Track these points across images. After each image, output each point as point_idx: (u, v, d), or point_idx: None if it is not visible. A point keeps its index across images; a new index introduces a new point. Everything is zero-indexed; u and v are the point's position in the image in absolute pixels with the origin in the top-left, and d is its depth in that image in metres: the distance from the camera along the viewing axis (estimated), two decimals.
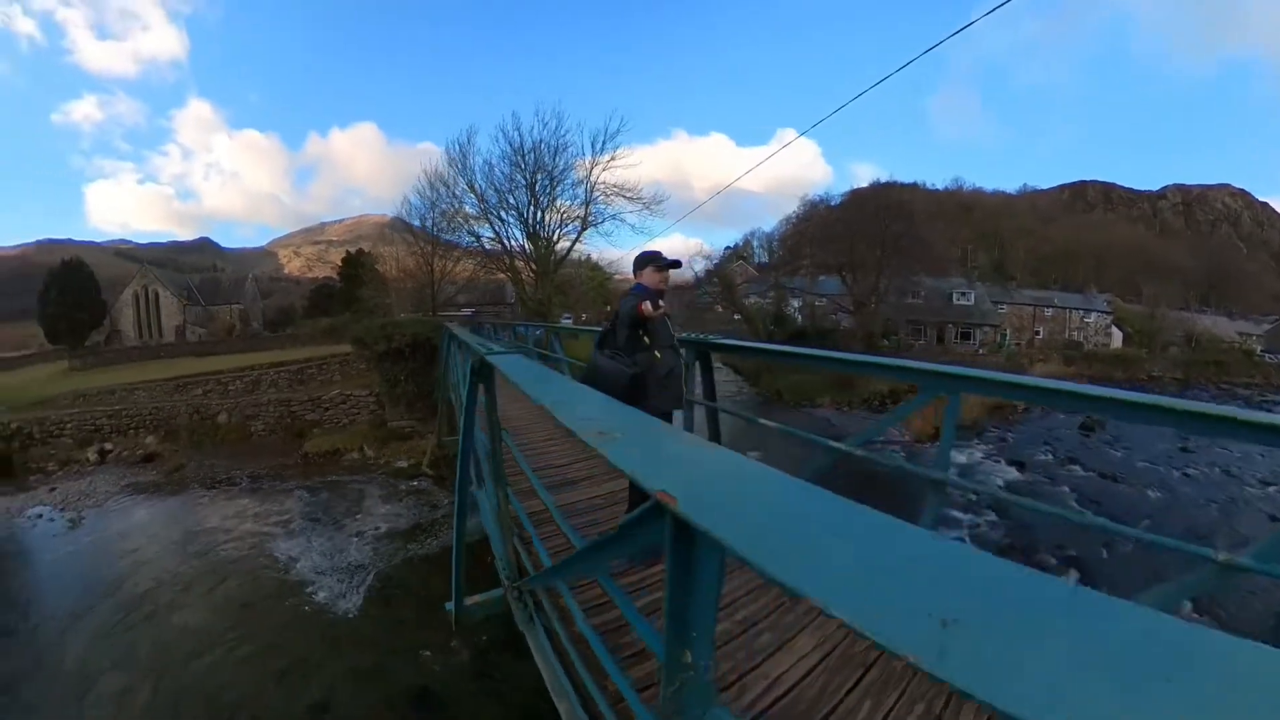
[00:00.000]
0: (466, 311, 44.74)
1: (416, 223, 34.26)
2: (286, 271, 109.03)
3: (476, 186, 31.55)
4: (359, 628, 10.00)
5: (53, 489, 18.77)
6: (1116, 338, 48.94)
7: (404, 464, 19.53)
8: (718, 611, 1.07)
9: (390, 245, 41.43)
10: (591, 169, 30.53)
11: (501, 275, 35.21)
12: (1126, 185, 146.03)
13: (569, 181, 31.21)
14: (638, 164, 31.35)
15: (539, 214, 31.16)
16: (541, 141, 30.09)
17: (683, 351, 3.86)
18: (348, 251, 55.21)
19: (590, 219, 31.42)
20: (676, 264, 3.70)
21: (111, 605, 11.03)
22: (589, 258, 43.26)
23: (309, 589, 11.49)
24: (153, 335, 56.09)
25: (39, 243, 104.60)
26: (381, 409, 23.65)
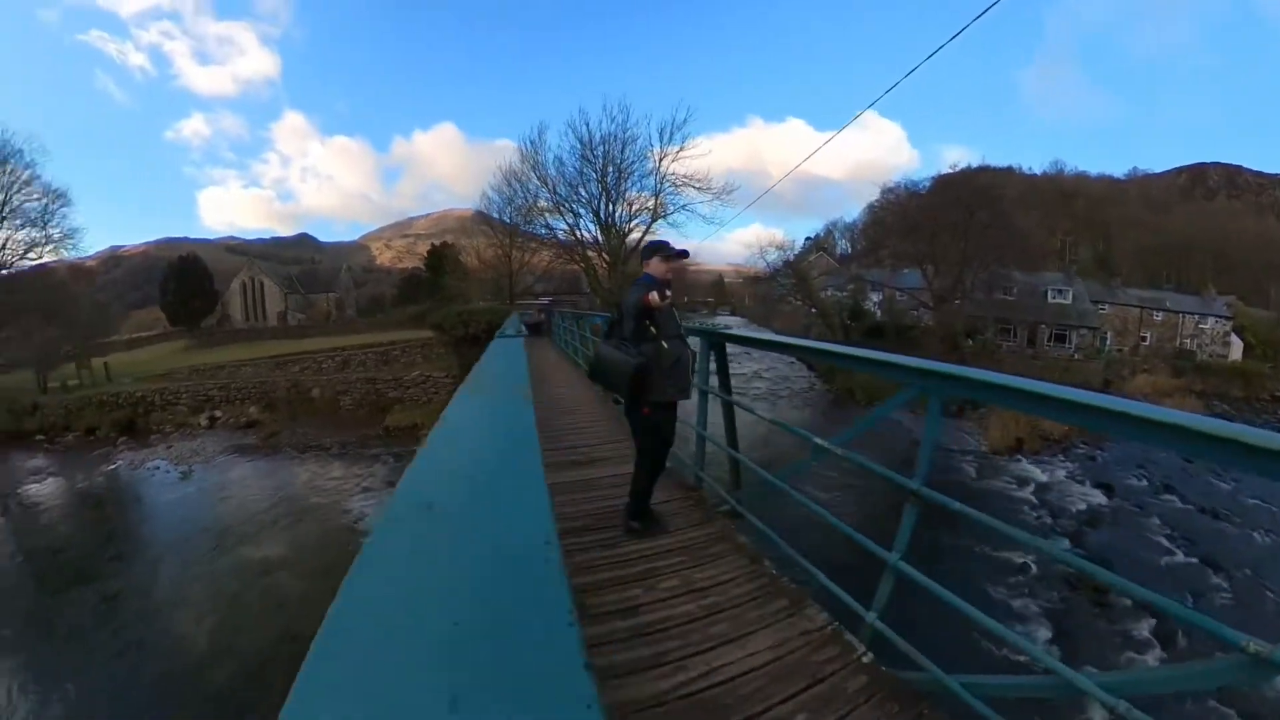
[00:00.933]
0: (544, 300, 45.77)
1: (495, 216, 35.56)
2: (379, 263, 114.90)
3: (549, 180, 32.41)
4: None
5: (169, 447, 21.15)
6: (1236, 347, 43.46)
7: None
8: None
9: (472, 238, 43.26)
10: (660, 160, 30.68)
11: (575, 266, 35.93)
12: (1255, 168, 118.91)
13: (638, 173, 31.57)
14: (707, 154, 31.37)
15: (610, 206, 31.65)
16: (610, 135, 30.55)
17: (690, 341, 3.83)
18: (432, 244, 57.90)
19: (660, 210, 31.56)
20: (684, 254, 3.71)
21: (206, 538, 12.95)
22: None
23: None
24: (258, 319, 61.08)
25: (159, 241, 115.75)
26: (457, 389, 24.86)
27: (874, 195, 38.67)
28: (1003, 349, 37.01)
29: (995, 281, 36.23)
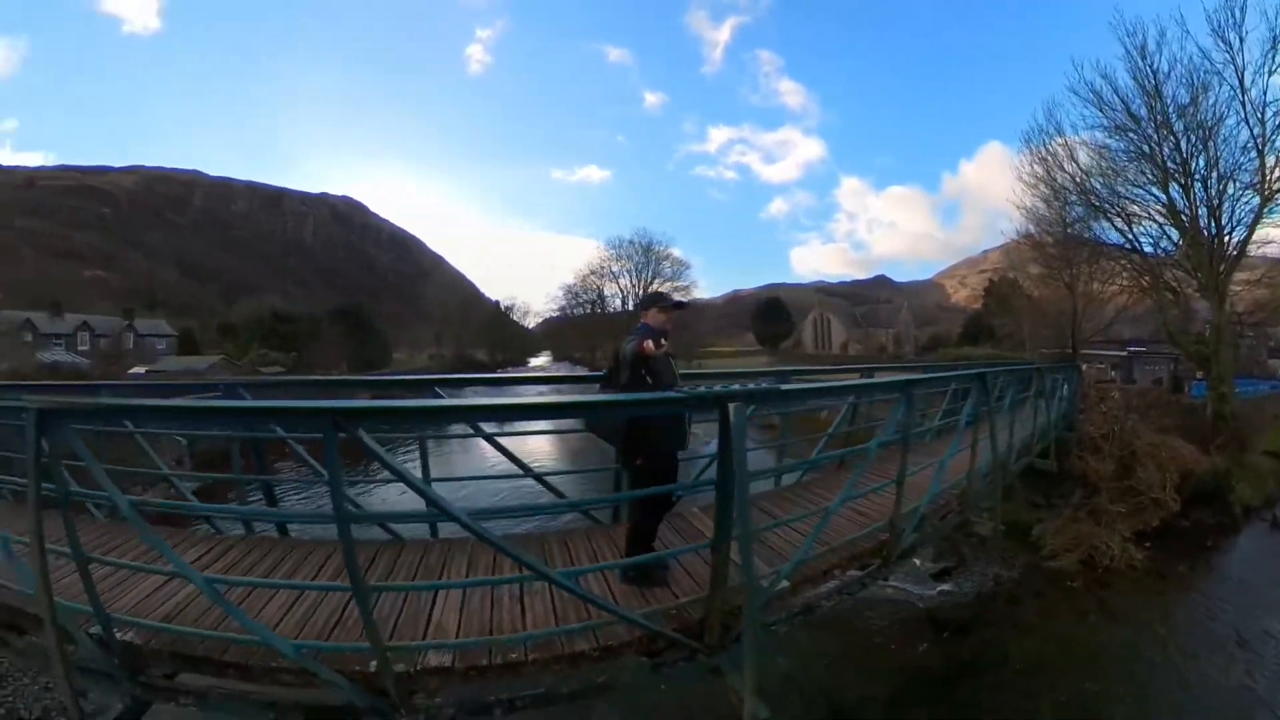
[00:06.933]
0: (1126, 350, 34.11)
1: (1040, 237, 27.19)
2: (953, 300, 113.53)
3: (1075, 178, 22.01)
4: None
5: None
6: None
7: None
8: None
9: (1023, 269, 34.11)
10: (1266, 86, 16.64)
11: (1147, 297, 22.62)
12: None
13: (1218, 126, 17.65)
14: None
15: (1186, 192, 18.48)
16: (1169, 74, 17.88)
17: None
18: (990, 280, 53.20)
19: (1272, 183, 17.06)
20: (682, 305, 4.00)
21: None
22: None
23: None
24: (824, 347, 72.38)
25: (767, 286, 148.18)
26: None
27: None
28: None
29: None
